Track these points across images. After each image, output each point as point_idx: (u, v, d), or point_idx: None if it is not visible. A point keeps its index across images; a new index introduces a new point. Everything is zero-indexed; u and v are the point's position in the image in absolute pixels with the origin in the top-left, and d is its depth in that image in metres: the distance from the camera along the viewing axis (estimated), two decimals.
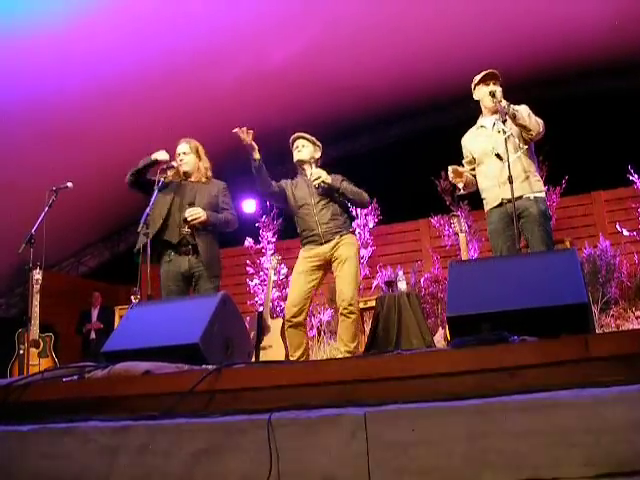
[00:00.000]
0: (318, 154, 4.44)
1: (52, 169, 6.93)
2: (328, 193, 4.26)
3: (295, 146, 4.41)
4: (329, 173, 4.30)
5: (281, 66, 7.28)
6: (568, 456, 1.47)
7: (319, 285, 4.34)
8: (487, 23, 7.09)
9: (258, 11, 6.47)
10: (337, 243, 4.19)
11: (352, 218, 4.44)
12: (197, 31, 6.59)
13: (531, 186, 3.74)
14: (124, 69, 6.76)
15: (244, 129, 3.94)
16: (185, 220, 3.93)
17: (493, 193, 3.85)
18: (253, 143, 4.00)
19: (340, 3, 6.61)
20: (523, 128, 3.72)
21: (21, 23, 5.92)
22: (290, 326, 4.19)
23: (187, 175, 4.17)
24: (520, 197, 3.67)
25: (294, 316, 4.14)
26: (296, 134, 4.45)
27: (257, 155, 4.05)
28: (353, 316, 4.10)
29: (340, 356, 4.12)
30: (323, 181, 4.19)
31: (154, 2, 6.21)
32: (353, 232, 4.39)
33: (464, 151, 4.10)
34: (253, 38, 6.80)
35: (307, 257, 4.25)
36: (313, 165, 4.34)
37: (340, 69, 7.59)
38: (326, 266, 4.26)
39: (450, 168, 3.98)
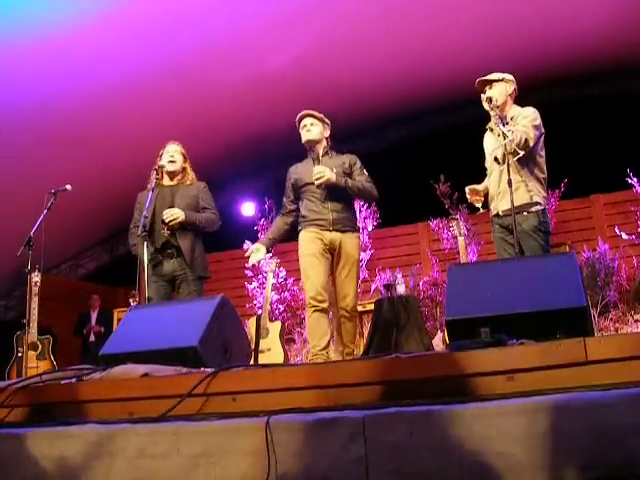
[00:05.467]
0: (328, 132, 4.11)
1: (51, 172, 6.94)
2: (334, 189, 3.93)
3: (303, 125, 4.07)
4: (342, 153, 4.11)
5: (281, 68, 7.29)
6: (566, 460, 1.46)
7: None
8: (488, 26, 7.10)
9: (258, 14, 6.48)
10: (343, 238, 3.91)
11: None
12: (198, 34, 6.60)
13: (524, 197, 3.62)
14: (124, 72, 6.76)
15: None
16: (163, 222, 3.92)
17: (493, 203, 3.84)
18: (259, 258, 4.26)
19: (339, 5, 6.62)
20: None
21: (22, 26, 5.92)
22: (316, 310, 3.76)
23: (170, 175, 4.14)
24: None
25: (321, 301, 3.75)
26: (303, 112, 4.09)
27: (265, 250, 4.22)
28: (356, 319, 4.11)
29: (338, 357, 4.12)
30: (328, 180, 3.84)
31: (155, 6, 6.22)
32: (359, 231, 4.11)
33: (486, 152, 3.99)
34: (253, 41, 6.81)
35: (315, 239, 3.88)
36: (316, 162, 3.91)
37: (338, 72, 7.59)
38: (332, 254, 3.93)
39: (467, 189, 3.89)
